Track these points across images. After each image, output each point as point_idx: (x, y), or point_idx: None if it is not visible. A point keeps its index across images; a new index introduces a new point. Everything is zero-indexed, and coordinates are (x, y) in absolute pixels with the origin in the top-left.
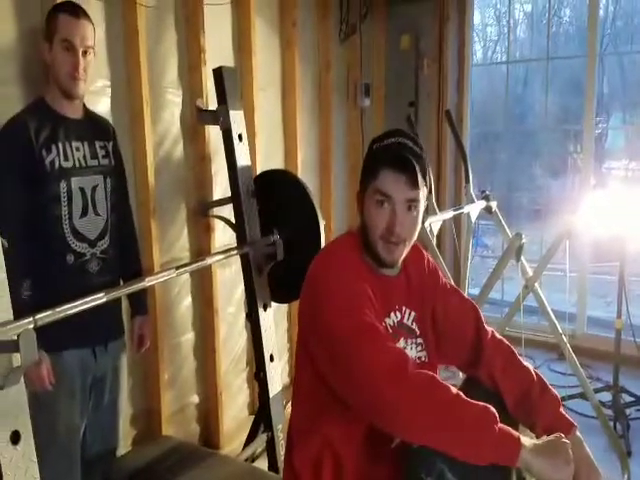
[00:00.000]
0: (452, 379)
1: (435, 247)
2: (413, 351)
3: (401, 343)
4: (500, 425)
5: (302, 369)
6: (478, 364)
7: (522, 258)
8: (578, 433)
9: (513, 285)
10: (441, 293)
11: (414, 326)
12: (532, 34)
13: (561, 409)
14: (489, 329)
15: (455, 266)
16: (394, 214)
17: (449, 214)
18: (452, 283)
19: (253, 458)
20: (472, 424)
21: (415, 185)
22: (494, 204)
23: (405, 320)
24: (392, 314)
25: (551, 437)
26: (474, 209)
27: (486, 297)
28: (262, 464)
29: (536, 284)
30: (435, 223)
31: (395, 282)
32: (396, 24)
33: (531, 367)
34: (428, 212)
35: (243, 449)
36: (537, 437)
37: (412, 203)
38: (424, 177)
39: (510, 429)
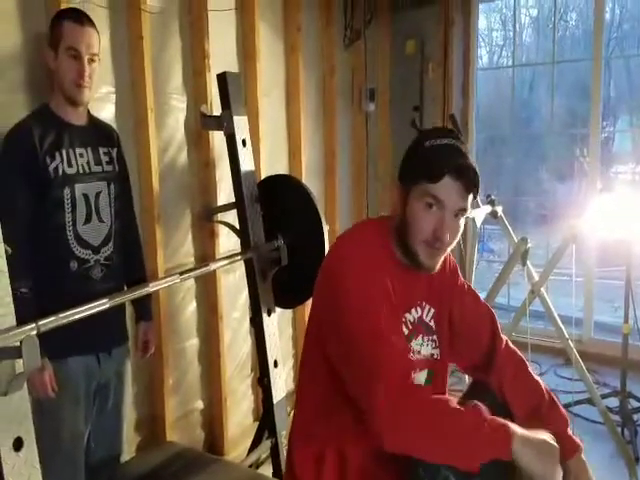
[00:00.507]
0: (458, 384)
1: None
2: (428, 347)
3: (418, 340)
4: (489, 420)
5: (312, 367)
6: (489, 370)
7: (528, 262)
8: (583, 456)
9: (519, 290)
10: (459, 293)
11: (432, 323)
12: (538, 38)
13: (568, 429)
14: (504, 337)
15: (461, 271)
16: (443, 220)
17: None
18: (470, 287)
19: (257, 464)
20: (460, 432)
21: (466, 194)
22: (499, 208)
23: (424, 317)
24: (413, 310)
25: (543, 434)
26: (479, 214)
27: (492, 302)
28: (266, 470)
29: (542, 289)
30: None
31: (419, 277)
32: (400, 29)
33: (542, 382)
34: None
35: (247, 455)
36: None
37: (460, 212)
38: (475, 191)
39: (499, 420)
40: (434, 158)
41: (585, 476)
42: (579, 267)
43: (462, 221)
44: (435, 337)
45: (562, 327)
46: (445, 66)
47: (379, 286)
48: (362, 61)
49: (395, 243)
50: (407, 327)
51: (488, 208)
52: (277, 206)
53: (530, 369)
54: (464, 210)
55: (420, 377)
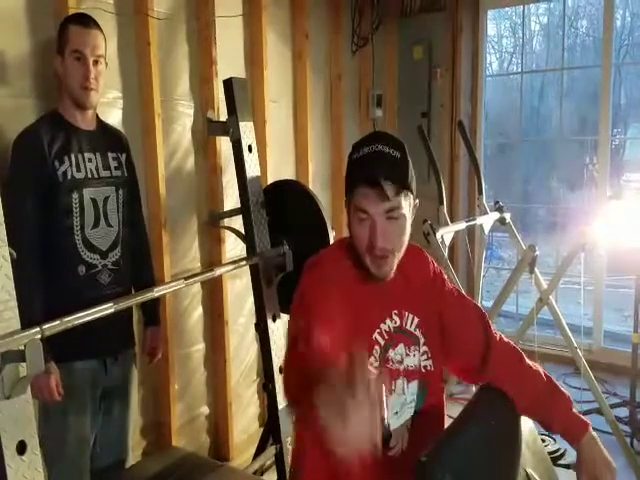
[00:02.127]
0: (466, 393)
1: (447, 259)
2: (416, 359)
3: (399, 349)
4: None
5: None
6: (484, 369)
7: (536, 270)
8: (592, 432)
9: (528, 298)
10: (448, 298)
11: (417, 332)
12: (548, 46)
13: (574, 409)
14: (497, 333)
15: (468, 278)
16: (374, 228)
17: (461, 225)
18: (461, 290)
19: (262, 470)
20: None
21: (387, 197)
22: (508, 215)
23: (406, 325)
24: (388, 320)
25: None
26: (487, 220)
27: (499, 309)
28: (271, 476)
29: (551, 297)
30: (447, 234)
31: (390, 286)
32: (408, 35)
33: (540, 368)
34: (440, 223)
35: (252, 461)
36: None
37: (391, 213)
38: (403, 182)
39: None
40: (349, 173)
41: (597, 449)
42: (588, 275)
43: (401, 222)
44: (425, 348)
45: (571, 336)
46: (453, 72)
47: (326, 310)
48: (369, 67)
49: (356, 260)
50: (382, 337)
51: (496, 215)
52: (283, 212)
53: (526, 359)
54: (393, 210)
55: (411, 389)
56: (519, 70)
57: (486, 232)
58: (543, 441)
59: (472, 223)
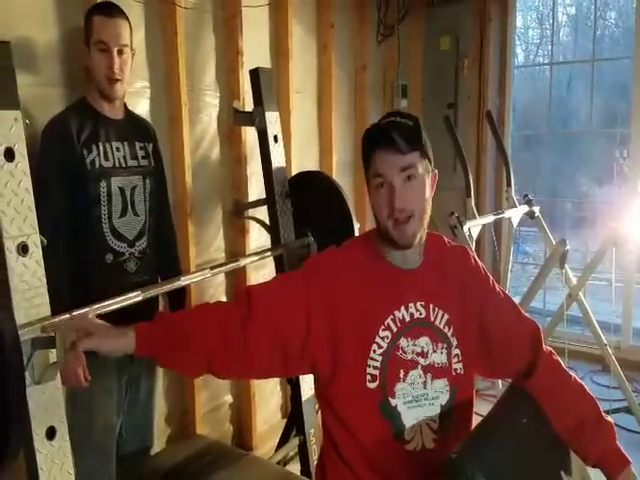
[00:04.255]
0: (491, 389)
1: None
2: (444, 357)
3: (421, 342)
4: None
5: None
6: (527, 383)
7: (566, 265)
8: (632, 469)
9: (555, 294)
10: (493, 302)
11: (447, 330)
12: (576, 37)
13: (617, 442)
14: (547, 349)
15: (494, 273)
16: (392, 190)
17: (489, 219)
18: (507, 294)
19: (285, 461)
20: None
21: (406, 150)
22: (537, 209)
23: (434, 320)
24: (404, 308)
25: None
26: (516, 214)
27: (528, 305)
28: (294, 467)
29: (580, 293)
30: (474, 228)
31: (415, 276)
32: (435, 25)
33: (586, 391)
34: (467, 216)
35: (275, 452)
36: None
37: (409, 171)
38: (417, 141)
39: None
40: (364, 145)
41: None
42: (618, 272)
43: (419, 182)
44: (458, 351)
45: (600, 333)
46: (481, 63)
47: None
48: (395, 57)
49: (380, 240)
50: (396, 325)
51: (525, 208)
52: (307, 203)
53: (573, 379)
54: (409, 168)
55: (436, 386)
56: (545, 61)
57: (514, 226)
58: None
59: (500, 216)
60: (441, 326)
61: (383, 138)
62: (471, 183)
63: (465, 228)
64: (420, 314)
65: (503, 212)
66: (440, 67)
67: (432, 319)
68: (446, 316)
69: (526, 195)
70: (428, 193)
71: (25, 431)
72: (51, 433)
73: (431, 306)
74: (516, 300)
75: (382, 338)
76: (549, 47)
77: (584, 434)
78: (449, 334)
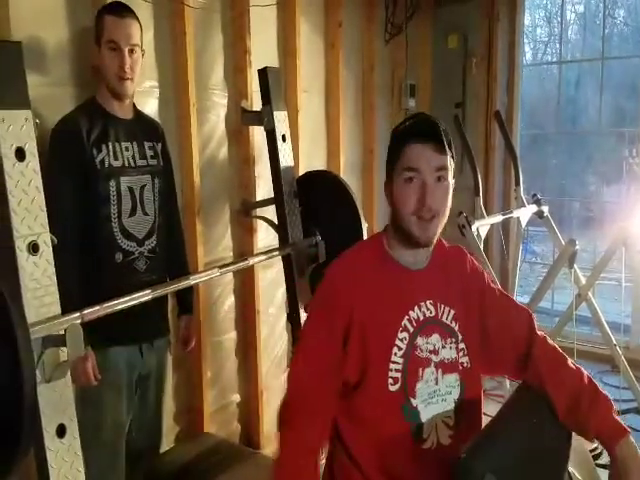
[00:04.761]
0: (499, 389)
1: (483, 252)
2: (453, 352)
3: (433, 339)
4: None
5: None
6: (526, 367)
7: (575, 265)
8: (631, 438)
9: (563, 294)
10: (491, 299)
11: (454, 325)
12: (584, 35)
13: (614, 414)
14: (541, 334)
15: (502, 273)
16: (425, 186)
17: (498, 218)
18: (500, 288)
19: None
20: None
21: (443, 151)
22: (546, 208)
23: (442, 317)
24: (417, 308)
25: None
26: (524, 213)
27: (537, 305)
28: None
29: (589, 293)
30: (483, 227)
31: (425, 277)
32: (443, 24)
33: (582, 370)
34: (475, 216)
35: None
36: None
37: (442, 172)
38: (450, 147)
39: None
40: (397, 138)
41: (635, 461)
42: (627, 272)
43: (448, 185)
44: (463, 345)
45: (609, 333)
46: (489, 61)
47: (331, 311)
48: (403, 56)
49: (390, 238)
50: (412, 324)
51: (534, 208)
52: (315, 202)
53: (568, 360)
54: (444, 169)
55: (447, 381)
56: (554, 60)
57: (523, 225)
58: None
59: (509, 216)
60: (448, 322)
61: (423, 133)
62: (480, 182)
63: (474, 228)
64: (430, 312)
65: (512, 212)
66: (448, 66)
67: (440, 316)
68: (452, 311)
69: (535, 194)
70: (451, 198)
71: (36, 429)
72: (61, 431)
73: (438, 304)
74: (525, 300)
75: (401, 340)
76: (557, 45)
77: (581, 409)
78: (456, 329)
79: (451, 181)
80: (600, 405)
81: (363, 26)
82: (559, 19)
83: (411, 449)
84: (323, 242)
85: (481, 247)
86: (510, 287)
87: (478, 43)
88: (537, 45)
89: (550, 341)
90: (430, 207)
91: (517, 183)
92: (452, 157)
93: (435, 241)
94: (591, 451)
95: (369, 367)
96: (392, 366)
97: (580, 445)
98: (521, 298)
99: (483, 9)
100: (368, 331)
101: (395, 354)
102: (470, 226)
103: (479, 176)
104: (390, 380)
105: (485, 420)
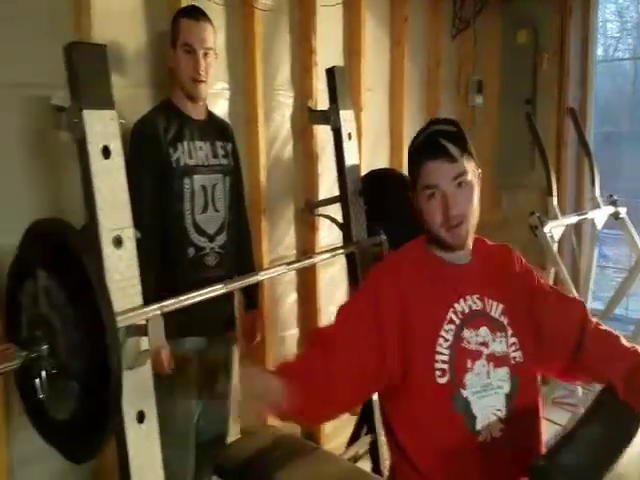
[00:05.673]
0: (570, 397)
1: (557, 254)
2: (503, 345)
3: (482, 332)
4: None
5: None
6: (575, 363)
7: None
8: None
9: (638, 301)
10: (541, 294)
11: (503, 319)
12: None
13: None
14: (594, 320)
15: (574, 277)
16: (446, 199)
17: (572, 219)
18: (554, 287)
19: (355, 459)
20: None
21: (453, 159)
22: (623, 210)
23: (490, 311)
24: (462, 301)
25: None
26: (600, 215)
27: (612, 312)
28: (364, 466)
29: None
30: (556, 229)
31: (468, 270)
32: (512, 19)
33: (637, 346)
34: (549, 216)
35: (346, 449)
36: None
37: (460, 179)
38: (464, 145)
39: None
40: (412, 158)
41: None
42: None
43: (469, 188)
44: (514, 340)
45: None
46: (562, 57)
47: (362, 304)
48: (470, 52)
49: (428, 242)
50: (457, 317)
51: (610, 209)
52: (380, 201)
53: (621, 339)
54: (460, 175)
55: (499, 375)
56: (625, 56)
57: (599, 227)
58: None
59: (584, 217)
60: (497, 316)
61: (431, 148)
62: (553, 182)
63: (546, 229)
64: (477, 306)
65: (587, 212)
66: (517, 62)
67: (488, 310)
68: (501, 306)
69: (611, 196)
70: (477, 196)
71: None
72: (141, 417)
73: (486, 298)
74: (597, 306)
75: (447, 331)
76: (629, 40)
77: (638, 379)
78: (505, 323)
79: (475, 180)
80: None
81: (429, 21)
82: (632, 14)
83: (468, 442)
84: (387, 241)
85: (555, 249)
86: (583, 292)
87: (549, 38)
88: (607, 40)
89: (602, 326)
90: (455, 215)
91: (593, 183)
92: (469, 154)
93: (470, 241)
94: None
95: (413, 358)
96: (438, 357)
97: None
98: (593, 304)
99: (555, 4)
100: (412, 321)
101: (440, 345)
102: (543, 226)
103: (552, 176)
104: (437, 372)
105: (549, 427)
